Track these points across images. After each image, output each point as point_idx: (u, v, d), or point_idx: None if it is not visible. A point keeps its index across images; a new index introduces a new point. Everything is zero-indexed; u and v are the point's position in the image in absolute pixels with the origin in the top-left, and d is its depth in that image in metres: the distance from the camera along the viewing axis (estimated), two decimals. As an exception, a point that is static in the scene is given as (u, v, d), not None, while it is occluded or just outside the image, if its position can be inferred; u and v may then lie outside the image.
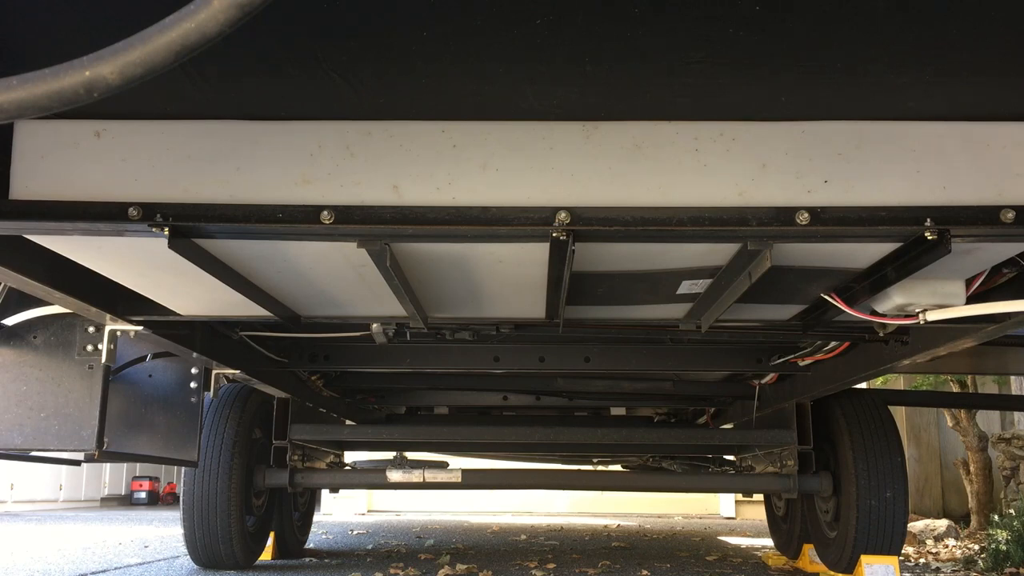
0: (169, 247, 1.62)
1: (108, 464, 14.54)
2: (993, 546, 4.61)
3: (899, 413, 8.46)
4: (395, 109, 1.54)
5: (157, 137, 1.57)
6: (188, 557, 3.96)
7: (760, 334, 2.81)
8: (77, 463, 2.92)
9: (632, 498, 10.68)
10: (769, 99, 1.49)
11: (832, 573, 3.83)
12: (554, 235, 1.57)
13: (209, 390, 2.91)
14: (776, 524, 5.01)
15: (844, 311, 2.12)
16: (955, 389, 7.10)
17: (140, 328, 2.34)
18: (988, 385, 7.50)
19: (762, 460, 4.29)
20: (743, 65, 1.37)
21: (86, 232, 1.60)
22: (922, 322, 2.02)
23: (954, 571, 4.57)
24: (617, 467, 6.12)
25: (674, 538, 6.73)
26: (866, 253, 1.82)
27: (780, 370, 3.39)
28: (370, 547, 5.42)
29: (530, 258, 1.82)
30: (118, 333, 2.35)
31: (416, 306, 2.15)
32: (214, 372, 2.91)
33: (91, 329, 2.34)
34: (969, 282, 1.98)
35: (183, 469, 3.66)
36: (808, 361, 3.16)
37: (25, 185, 1.57)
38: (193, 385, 2.84)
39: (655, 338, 3.15)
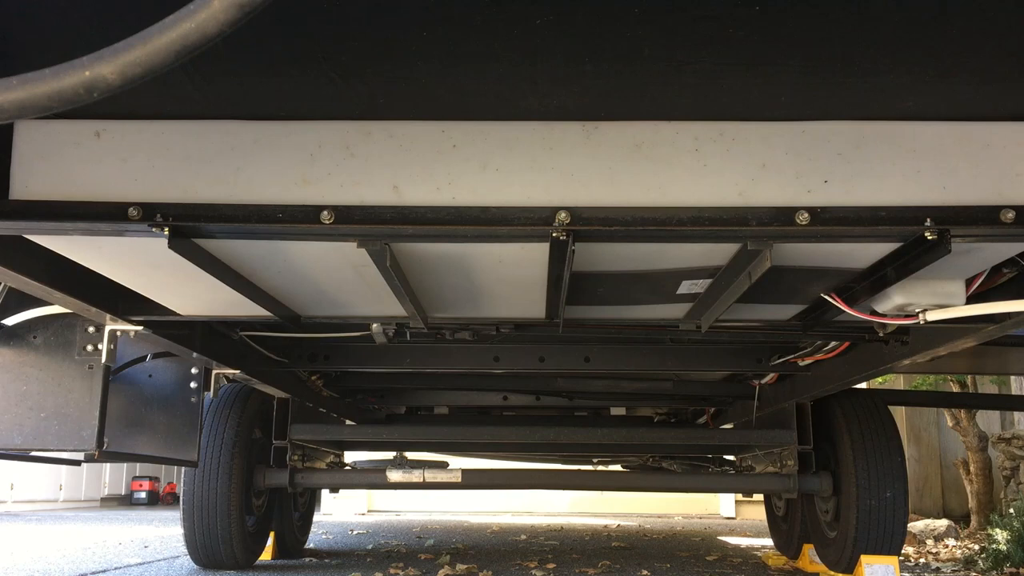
0: (169, 247, 1.62)
1: (108, 464, 14.54)
2: (993, 546, 4.61)
3: (899, 413, 8.46)
4: (395, 109, 1.54)
5: (157, 137, 1.57)
6: (188, 557, 3.96)
7: (760, 334, 2.81)
8: (77, 463, 2.92)
9: (632, 498, 10.68)
10: (769, 99, 1.49)
11: (832, 573, 3.83)
12: (554, 235, 1.57)
13: (209, 390, 2.91)
14: (776, 524, 5.01)
15: (844, 311, 2.12)
16: (955, 389, 7.10)
17: (140, 328, 2.34)
18: (988, 385, 7.50)
19: (762, 460, 4.29)
20: (743, 65, 1.37)
21: (86, 232, 1.60)
22: (922, 322, 2.02)
23: (954, 571, 4.57)
24: (617, 467, 6.12)
25: (674, 538, 6.73)
26: (866, 253, 1.82)
27: (780, 370, 3.39)
28: (370, 547, 5.42)
29: (530, 258, 1.82)
30: (118, 333, 2.35)
31: (416, 306, 2.15)
32: (214, 372, 2.91)
33: (91, 329, 2.34)
34: (969, 282, 1.98)
35: (183, 469, 3.66)
36: (808, 361, 3.16)
37: (25, 185, 1.57)
38: (193, 385, 2.84)
39: (655, 338, 3.14)
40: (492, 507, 11.00)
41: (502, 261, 1.86)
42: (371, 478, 4.17)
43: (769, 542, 5.41)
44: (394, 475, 3.89)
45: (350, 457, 5.08)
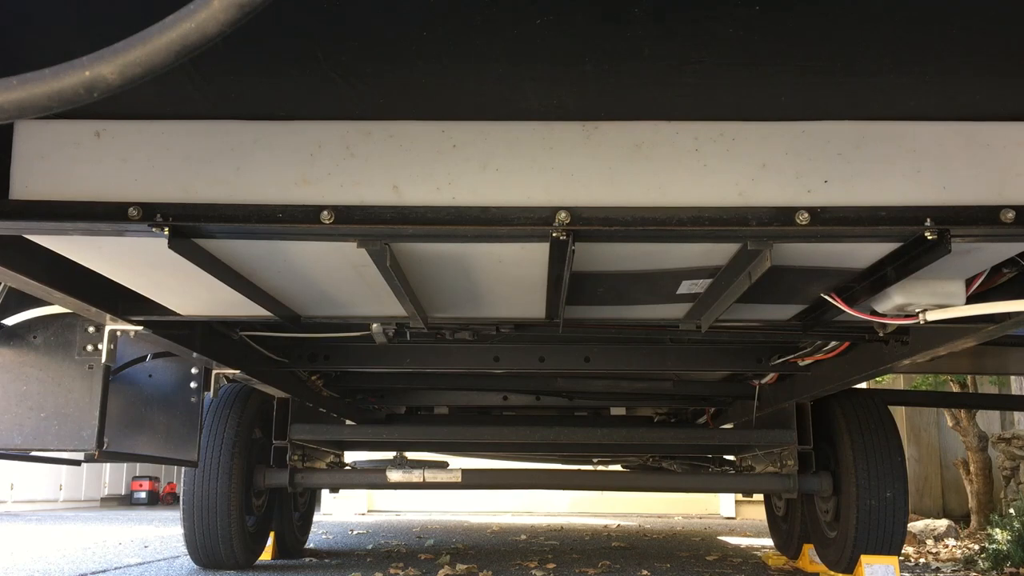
0: (169, 247, 1.62)
1: (108, 464, 14.54)
2: (993, 546, 4.61)
3: (899, 413, 8.46)
4: (395, 109, 1.54)
5: (157, 137, 1.57)
6: (188, 557, 3.96)
7: (760, 334, 2.81)
8: (77, 463, 2.92)
9: (632, 498, 10.68)
10: (769, 99, 1.49)
11: (832, 573, 3.83)
12: (554, 235, 1.57)
13: (209, 390, 2.91)
14: (776, 524, 5.01)
15: (844, 311, 2.12)
16: (955, 389, 7.10)
17: (140, 328, 2.34)
18: (988, 385, 7.50)
19: (762, 460, 4.29)
20: (743, 65, 1.37)
21: (86, 232, 1.60)
22: (922, 322, 2.02)
23: (954, 571, 4.57)
24: (617, 467, 6.12)
25: (674, 538, 6.73)
26: (866, 253, 1.82)
27: (780, 370, 3.39)
28: (370, 547, 5.42)
29: (530, 258, 1.82)
30: (118, 333, 2.35)
31: (416, 306, 2.15)
32: (214, 372, 2.91)
33: (91, 329, 2.34)
34: (969, 282, 1.98)
35: (183, 469, 3.66)
36: (808, 361, 3.16)
37: (25, 185, 1.57)
38: (193, 385, 2.84)
39: (655, 338, 3.14)
40: (492, 507, 11.00)
41: (502, 261, 1.86)
42: (371, 478, 4.17)
43: (769, 542, 5.41)
44: (394, 475, 3.89)
45: (350, 457, 5.08)
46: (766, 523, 5.35)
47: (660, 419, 5.27)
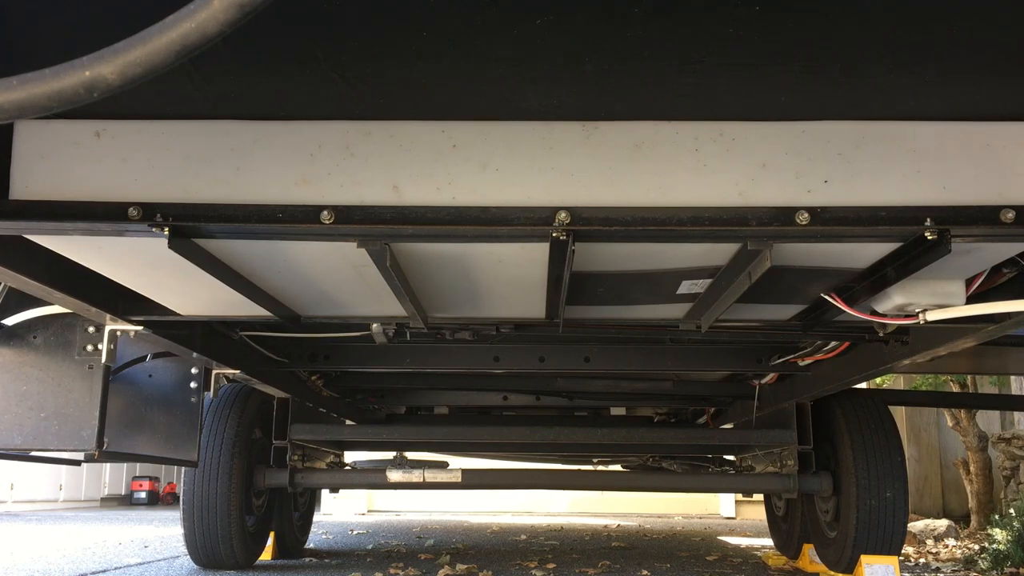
0: (169, 247, 1.62)
1: (108, 464, 14.54)
2: (993, 546, 4.61)
3: (899, 413, 8.46)
4: (395, 109, 1.54)
5: (157, 137, 1.57)
6: (188, 557, 3.97)
7: (760, 334, 2.81)
8: (77, 463, 2.92)
9: (632, 498, 10.68)
10: (769, 99, 1.49)
11: (832, 573, 3.83)
12: (554, 235, 1.57)
13: (209, 390, 2.91)
14: (776, 524, 5.01)
15: (844, 311, 2.12)
16: (955, 389, 7.10)
17: (140, 328, 2.34)
18: (988, 385, 7.50)
19: (762, 460, 4.29)
20: (743, 65, 1.37)
21: (86, 232, 1.60)
22: (922, 322, 2.02)
23: (954, 571, 4.57)
24: (617, 467, 6.12)
25: (674, 538, 6.73)
26: (866, 253, 1.82)
27: (780, 370, 3.39)
28: (370, 547, 5.42)
29: (530, 258, 1.82)
30: (118, 333, 2.35)
31: (416, 306, 2.15)
32: (214, 372, 2.91)
33: (91, 329, 2.34)
34: (969, 282, 1.98)
35: (183, 469, 3.66)
36: (808, 361, 3.16)
37: (25, 185, 1.57)
38: (193, 385, 2.84)
39: (655, 338, 3.14)
40: (492, 507, 11.00)
41: (502, 261, 1.86)
42: (371, 478, 4.17)
43: (769, 542, 5.41)
44: (394, 475, 3.89)
45: (350, 457, 5.08)
46: (766, 523, 5.35)
47: (660, 419, 5.27)
